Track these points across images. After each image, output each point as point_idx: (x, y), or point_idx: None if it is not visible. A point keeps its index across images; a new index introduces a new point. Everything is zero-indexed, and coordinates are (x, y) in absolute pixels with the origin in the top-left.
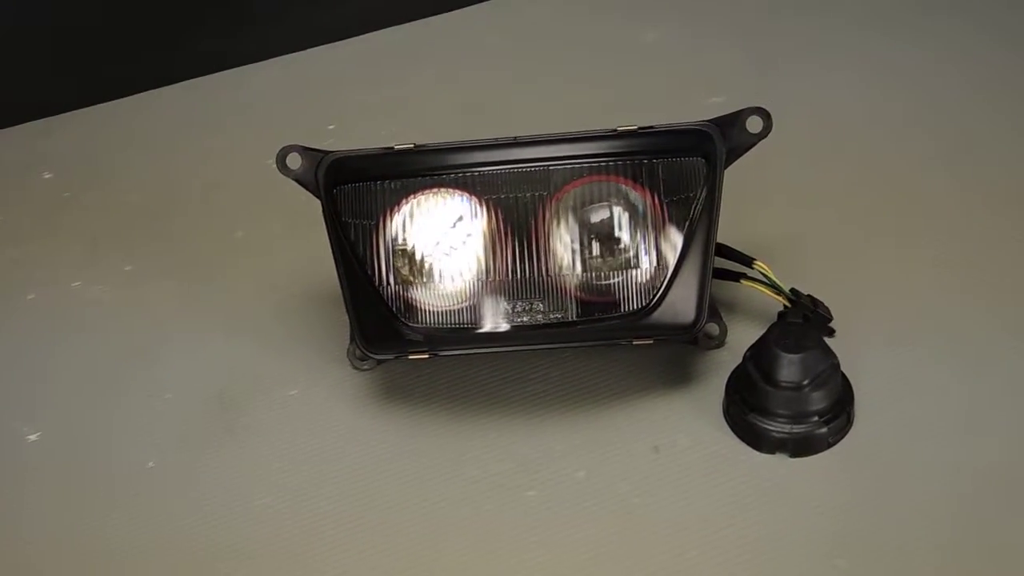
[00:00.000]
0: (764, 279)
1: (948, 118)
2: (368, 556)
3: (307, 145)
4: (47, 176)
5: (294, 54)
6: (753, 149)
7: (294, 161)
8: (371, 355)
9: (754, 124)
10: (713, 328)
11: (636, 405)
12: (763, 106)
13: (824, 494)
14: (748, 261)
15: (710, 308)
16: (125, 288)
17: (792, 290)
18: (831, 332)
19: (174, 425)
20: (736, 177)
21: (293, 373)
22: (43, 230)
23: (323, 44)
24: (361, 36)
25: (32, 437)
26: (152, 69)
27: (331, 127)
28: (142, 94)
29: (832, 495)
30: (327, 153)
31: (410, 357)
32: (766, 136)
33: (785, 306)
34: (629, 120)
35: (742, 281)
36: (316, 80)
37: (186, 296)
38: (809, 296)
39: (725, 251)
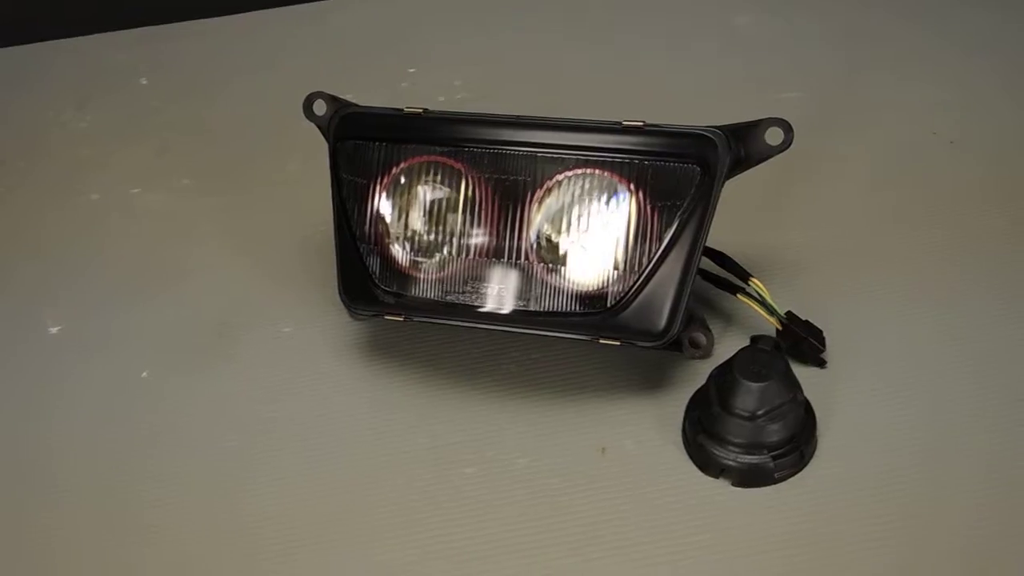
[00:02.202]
0: (758, 297)
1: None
2: (305, 495)
3: (333, 94)
4: (143, 82)
5: None
6: (807, 158)
7: (320, 108)
8: (350, 310)
9: (774, 136)
10: (700, 338)
11: (600, 403)
12: (785, 118)
13: (754, 529)
14: (744, 276)
15: (698, 319)
16: (177, 201)
17: (788, 313)
18: (821, 363)
19: (174, 342)
20: (774, 184)
21: (293, 311)
22: (121, 134)
23: None
24: None
25: (53, 330)
26: None
27: (411, 70)
28: (249, 13)
29: (762, 532)
30: (344, 105)
31: (386, 317)
32: (786, 149)
33: (777, 329)
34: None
35: (738, 295)
36: (410, 20)
37: (227, 219)
38: (807, 322)
39: (726, 262)
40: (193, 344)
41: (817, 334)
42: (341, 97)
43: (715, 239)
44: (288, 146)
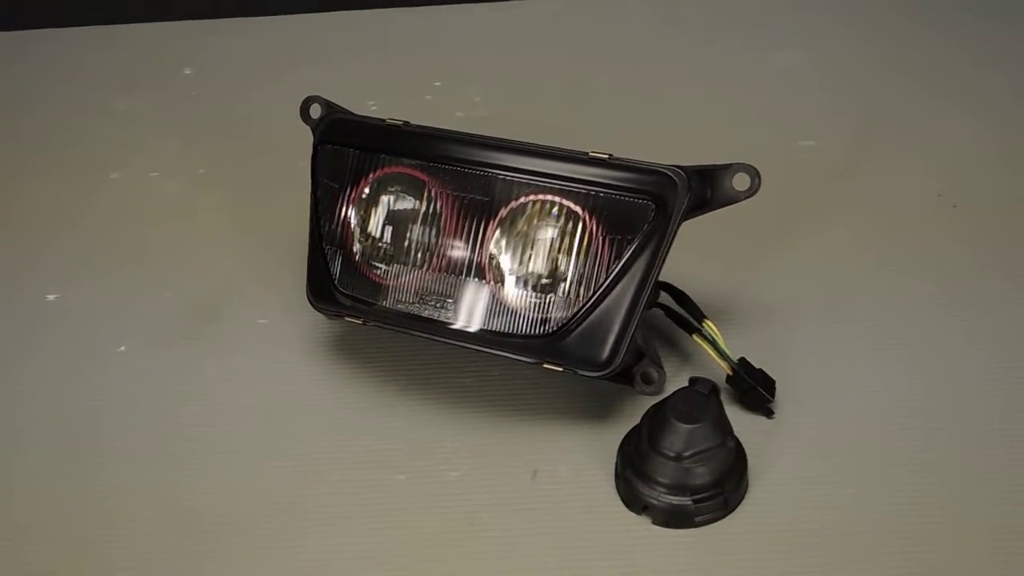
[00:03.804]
0: (711, 340)
1: None
2: (241, 478)
3: (328, 100)
4: (187, 72)
5: (440, 5)
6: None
7: (315, 111)
8: (315, 308)
9: (741, 181)
10: (651, 374)
11: (544, 427)
12: (758, 160)
13: (665, 570)
14: (700, 318)
15: (652, 354)
16: (191, 188)
17: (741, 360)
18: (768, 413)
19: (156, 321)
20: (765, 228)
21: (273, 304)
22: (152, 120)
23: (475, 2)
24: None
25: (51, 297)
26: None
27: (437, 84)
28: (300, 15)
29: (672, 574)
30: (334, 111)
31: (346, 319)
32: (752, 195)
33: (727, 375)
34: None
35: (693, 336)
36: (444, 35)
37: (234, 210)
38: (760, 371)
39: (684, 301)
40: (172, 325)
41: (768, 384)
42: (337, 104)
43: (693, 277)
44: (302, 146)
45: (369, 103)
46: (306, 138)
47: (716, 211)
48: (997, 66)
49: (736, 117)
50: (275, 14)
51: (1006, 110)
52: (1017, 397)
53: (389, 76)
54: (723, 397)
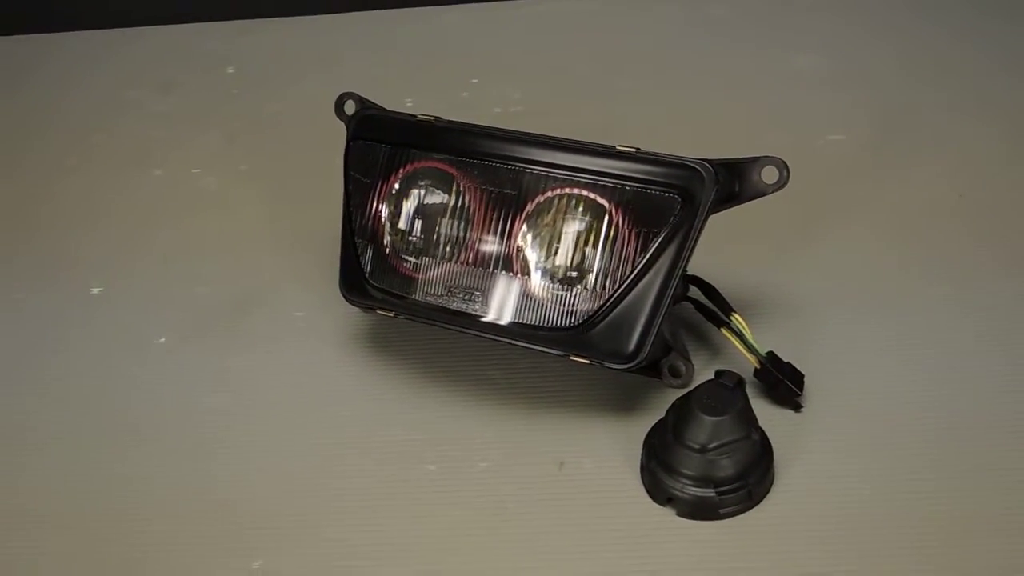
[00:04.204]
0: (739, 333)
1: None
2: (274, 466)
3: (362, 96)
4: (230, 71)
5: (479, 4)
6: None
7: (350, 108)
8: (347, 301)
9: (770, 174)
10: (679, 366)
11: (571, 419)
12: (784, 158)
13: (689, 561)
14: (728, 311)
15: (680, 348)
16: (231, 186)
17: (770, 354)
18: (796, 407)
19: (194, 314)
20: (795, 223)
21: (309, 298)
22: (194, 117)
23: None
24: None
25: (95, 290)
26: None
27: (474, 81)
28: (340, 14)
29: (696, 565)
30: (367, 107)
31: (377, 312)
32: (781, 188)
33: (755, 368)
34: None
35: (722, 330)
36: (480, 32)
37: (273, 206)
38: (789, 365)
39: (712, 294)
40: (211, 317)
41: (797, 378)
42: (370, 100)
43: (723, 271)
44: (341, 143)
45: (406, 100)
46: (344, 134)
47: (745, 205)
48: (1018, 69)
49: (760, 115)
50: (315, 13)
51: None
52: None
53: (427, 73)
54: (752, 390)
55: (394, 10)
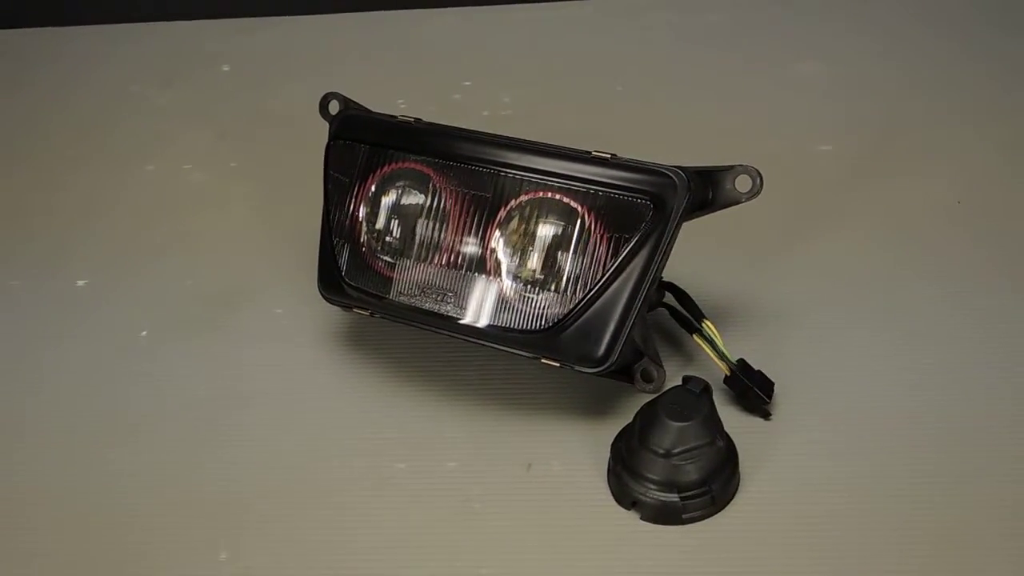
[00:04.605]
0: (710, 340)
1: None
2: (251, 462)
3: (346, 96)
4: (225, 68)
5: (477, 7)
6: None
7: (334, 107)
8: (325, 299)
9: (743, 183)
10: (651, 372)
11: (542, 421)
12: (778, 165)
13: (650, 565)
14: (699, 318)
15: (652, 353)
16: (222, 181)
17: (740, 361)
18: (765, 415)
19: (177, 309)
20: (781, 231)
21: (290, 295)
22: (188, 114)
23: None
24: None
25: (80, 283)
26: None
27: (466, 83)
28: (337, 15)
29: (657, 570)
30: (348, 107)
31: (354, 310)
32: (755, 197)
33: (725, 375)
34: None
35: (693, 336)
36: (477, 35)
37: (261, 203)
38: (759, 372)
39: (685, 300)
40: (193, 312)
41: (767, 386)
42: (354, 101)
43: (703, 278)
44: None
45: (399, 101)
46: None
47: (729, 213)
48: (1016, 78)
49: (755, 124)
50: (312, 13)
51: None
52: None
53: (420, 75)
54: (721, 397)
55: (389, 12)
